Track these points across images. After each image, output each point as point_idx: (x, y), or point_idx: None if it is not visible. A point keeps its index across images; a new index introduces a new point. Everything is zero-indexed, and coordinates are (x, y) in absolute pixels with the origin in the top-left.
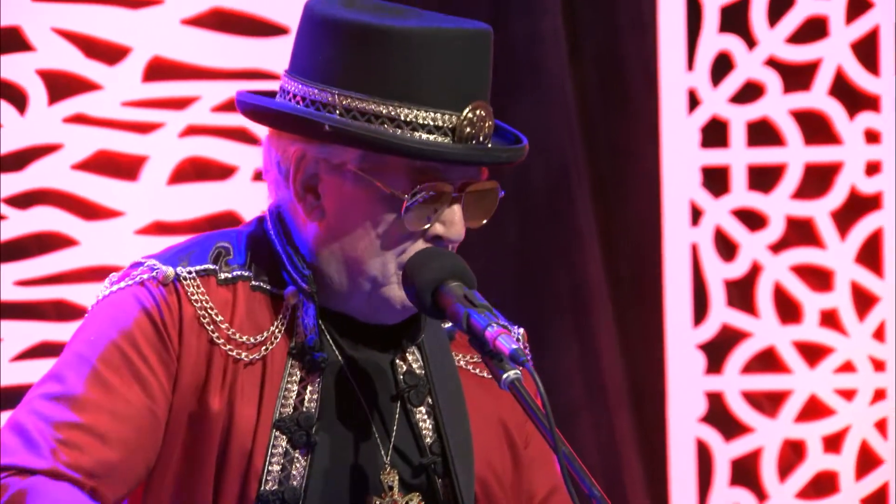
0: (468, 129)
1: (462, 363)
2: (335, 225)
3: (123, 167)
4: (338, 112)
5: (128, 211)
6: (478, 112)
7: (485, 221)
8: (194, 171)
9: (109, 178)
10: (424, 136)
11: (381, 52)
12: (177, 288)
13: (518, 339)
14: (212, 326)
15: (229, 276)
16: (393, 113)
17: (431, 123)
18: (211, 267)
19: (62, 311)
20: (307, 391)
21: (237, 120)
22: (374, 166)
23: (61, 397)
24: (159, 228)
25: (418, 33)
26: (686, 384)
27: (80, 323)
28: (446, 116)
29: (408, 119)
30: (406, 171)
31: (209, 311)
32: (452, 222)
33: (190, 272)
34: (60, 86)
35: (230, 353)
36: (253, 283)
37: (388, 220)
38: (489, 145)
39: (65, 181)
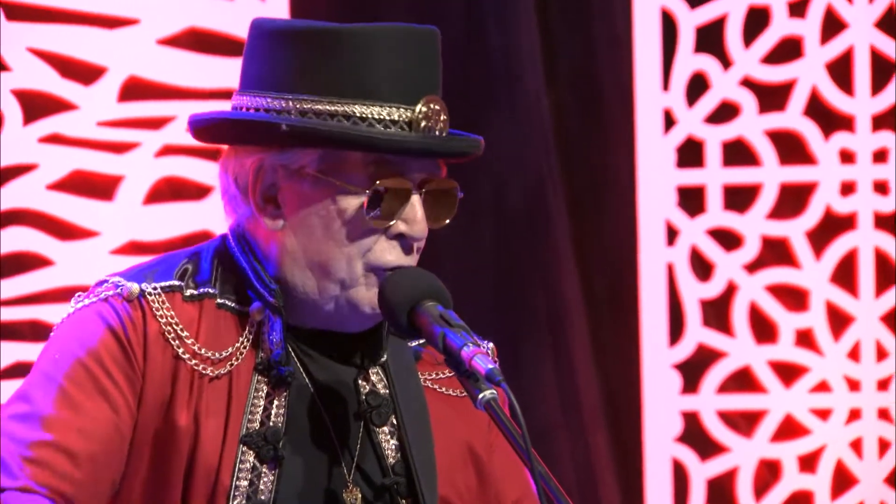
0: (424, 122)
1: (428, 382)
2: (298, 232)
3: (99, 187)
4: (293, 116)
5: (103, 231)
6: (432, 105)
7: (447, 222)
8: (170, 190)
9: (85, 198)
10: (381, 129)
11: (331, 53)
12: (142, 304)
13: (488, 354)
14: (177, 342)
15: (195, 292)
16: (348, 111)
17: (387, 118)
18: (176, 283)
19: (38, 332)
20: (273, 406)
21: None
22: (333, 166)
23: (29, 417)
24: (135, 248)
25: (366, 32)
26: (662, 404)
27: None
28: (401, 111)
29: (363, 115)
30: (364, 166)
31: (174, 326)
32: (415, 219)
33: (155, 288)
34: (36, 106)
35: (196, 368)
36: (219, 300)
37: (350, 219)
38: (453, 137)
39: (40, 201)
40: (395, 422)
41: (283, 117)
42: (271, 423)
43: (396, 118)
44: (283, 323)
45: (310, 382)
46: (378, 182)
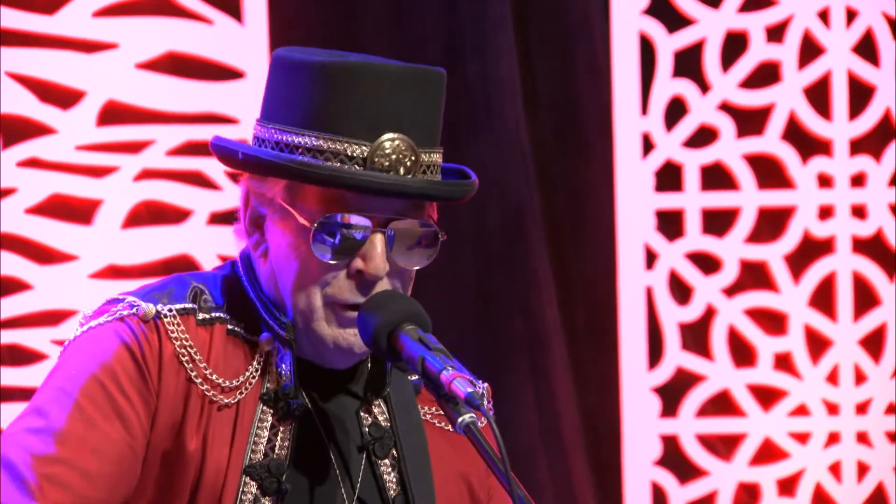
0: (382, 161)
1: (427, 416)
2: (274, 260)
3: (78, 211)
4: (270, 146)
5: (82, 255)
6: (395, 143)
7: (426, 263)
8: (149, 214)
9: (64, 222)
10: (337, 165)
11: (304, 85)
12: (157, 325)
13: (483, 395)
14: (191, 365)
15: (207, 317)
16: (310, 143)
17: (344, 153)
18: (190, 306)
19: (15, 356)
20: (278, 438)
21: (192, 163)
22: (295, 198)
23: (45, 431)
24: (114, 272)
25: (335, 65)
26: (641, 427)
27: (34, 365)
28: (355, 147)
29: (321, 148)
30: (319, 201)
31: (189, 349)
32: (371, 257)
33: (171, 310)
34: (15, 130)
35: (207, 393)
36: (229, 326)
37: (307, 251)
38: (419, 178)
39: (19, 225)
40: (395, 454)
41: (253, 146)
42: (275, 455)
43: (352, 154)
44: (294, 355)
45: (314, 413)
46: (325, 216)
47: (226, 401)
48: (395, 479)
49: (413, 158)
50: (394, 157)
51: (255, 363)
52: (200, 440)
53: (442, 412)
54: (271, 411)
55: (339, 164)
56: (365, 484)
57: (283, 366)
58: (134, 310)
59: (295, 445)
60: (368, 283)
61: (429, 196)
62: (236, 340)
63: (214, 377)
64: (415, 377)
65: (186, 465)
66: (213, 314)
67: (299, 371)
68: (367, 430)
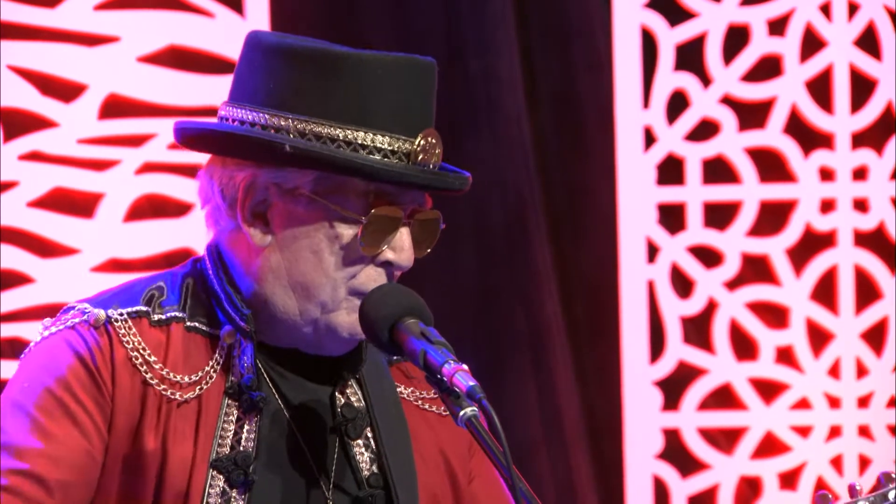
0: (421, 155)
1: (405, 395)
2: (285, 251)
3: (79, 204)
4: (292, 136)
5: (84, 248)
6: (430, 139)
7: (428, 251)
8: (150, 208)
9: (65, 216)
10: (381, 159)
11: (335, 77)
12: (108, 330)
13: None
14: (145, 367)
15: (163, 317)
16: (350, 136)
17: (387, 148)
18: (143, 309)
19: (18, 349)
20: (244, 430)
21: (194, 157)
22: (329, 190)
23: (1, 446)
24: (116, 266)
25: (371, 59)
26: (643, 421)
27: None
28: (401, 142)
29: (364, 143)
30: (361, 194)
31: (142, 352)
32: (402, 248)
33: (121, 314)
34: (16, 123)
35: (164, 392)
36: (188, 323)
37: (341, 243)
38: (443, 171)
39: (21, 218)
40: (369, 434)
41: (282, 136)
42: (241, 448)
43: (395, 149)
44: (254, 347)
45: (282, 403)
46: (375, 210)
47: (185, 397)
48: (368, 459)
49: (439, 152)
50: (429, 151)
51: (216, 357)
52: (160, 439)
53: (418, 391)
54: (236, 404)
55: (383, 159)
56: (339, 467)
57: (245, 358)
58: (85, 316)
59: (263, 436)
60: (392, 272)
61: (461, 190)
62: (196, 337)
63: (172, 376)
64: (385, 357)
65: (147, 466)
66: (168, 314)
67: (269, 358)
68: (339, 411)
